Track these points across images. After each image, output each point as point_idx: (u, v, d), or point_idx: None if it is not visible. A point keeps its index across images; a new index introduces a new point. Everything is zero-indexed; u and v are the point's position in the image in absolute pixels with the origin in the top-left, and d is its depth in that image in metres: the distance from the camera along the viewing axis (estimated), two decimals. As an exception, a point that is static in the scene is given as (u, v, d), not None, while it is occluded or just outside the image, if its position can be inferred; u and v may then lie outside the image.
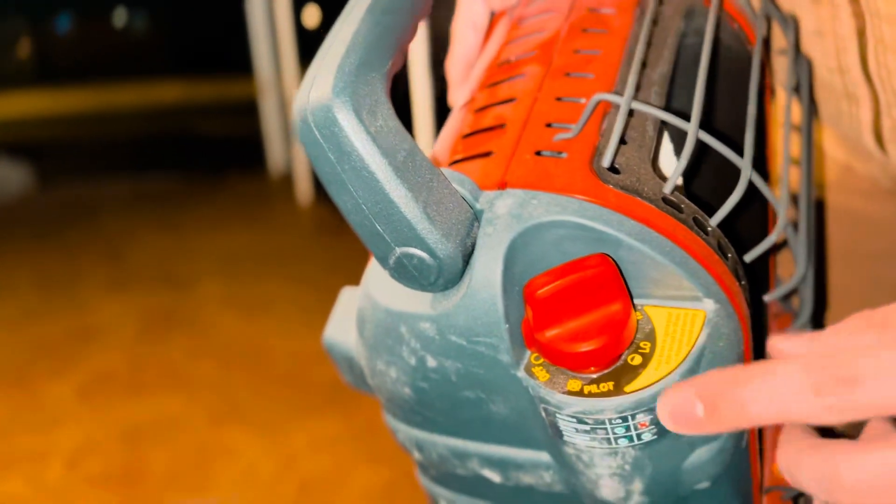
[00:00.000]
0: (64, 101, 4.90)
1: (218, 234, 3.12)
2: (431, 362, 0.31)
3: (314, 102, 0.28)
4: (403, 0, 0.32)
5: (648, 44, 0.38)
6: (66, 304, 2.62)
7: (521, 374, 0.30)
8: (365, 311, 0.34)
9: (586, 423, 0.29)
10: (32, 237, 3.18)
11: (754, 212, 0.38)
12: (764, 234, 0.39)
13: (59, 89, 5.01)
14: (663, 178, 0.32)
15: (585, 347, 0.28)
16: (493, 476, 0.34)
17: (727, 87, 0.40)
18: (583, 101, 0.34)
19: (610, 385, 0.29)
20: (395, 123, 0.29)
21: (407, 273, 0.30)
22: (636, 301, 0.31)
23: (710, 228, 0.31)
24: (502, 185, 0.31)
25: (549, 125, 0.34)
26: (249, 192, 3.58)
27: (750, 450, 0.33)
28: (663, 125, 0.35)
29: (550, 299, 0.29)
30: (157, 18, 5.39)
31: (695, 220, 0.31)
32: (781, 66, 0.48)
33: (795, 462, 0.30)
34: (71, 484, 1.83)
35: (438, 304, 0.31)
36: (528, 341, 0.30)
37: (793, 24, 0.46)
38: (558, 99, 0.35)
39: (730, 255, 0.32)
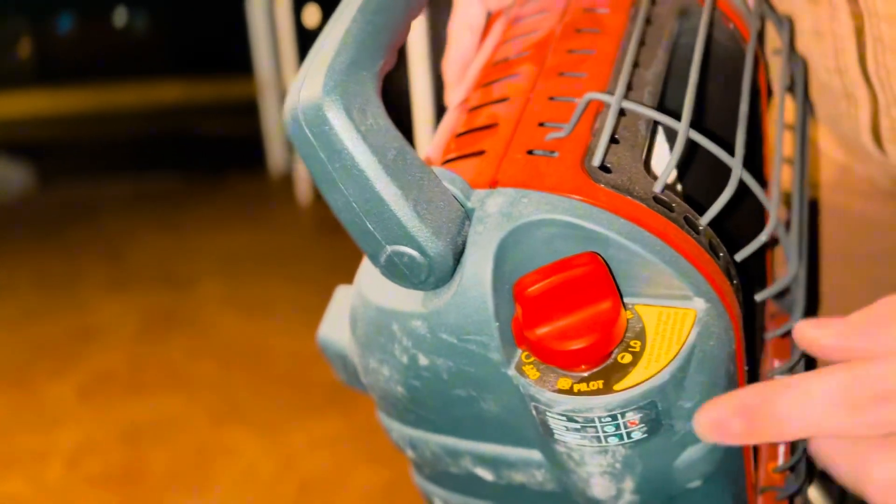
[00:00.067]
0: (64, 101, 4.91)
1: (218, 234, 3.12)
2: (423, 360, 0.31)
3: (305, 101, 0.28)
4: (395, 0, 0.32)
5: (642, 43, 0.38)
6: (66, 304, 2.62)
7: (511, 372, 0.30)
8: (357, 309, 0.34)
9: (576, 422, 0.29)
10: (32, 237, 3.19)
11: (750, 211, 0.38)
12: (759, 233, 0.39)
13: (59, 89, 5.02)
14: (656, 178, 0.32)
15: (575, 345, 0.28)
16: (486, 474, 0.34)
17: (722, 86, 0.40)
18: (576, 100, 0.34)
19: (600, 383, 0.29)
20: (385, 122, 0.29)
21: (398, 271, 0.30)
22: (626, 300, 0.31)
23: (701, 227, 0.31)
24: (493, 184, 0.31)
25: (541, 124, 0.34)
26: (249, 192, 3.59)
27: (743, 449, 0.33)
28: (657, 125, 0.35)
29: (540, 297, 0.29)
30: (157, 18, 5.40)
31: (685, 218, 0.31)
32: (777, 67, 0.48)
33: (830, 455, 0.30)
34: (71, 484, 1.83)
35: (429, 303, 0.31)
36: (518, 339, 0.30)
37: (787, 24, 0.46)
38: (551, 98, 0.35)
39: (721, 254, 0.32)
